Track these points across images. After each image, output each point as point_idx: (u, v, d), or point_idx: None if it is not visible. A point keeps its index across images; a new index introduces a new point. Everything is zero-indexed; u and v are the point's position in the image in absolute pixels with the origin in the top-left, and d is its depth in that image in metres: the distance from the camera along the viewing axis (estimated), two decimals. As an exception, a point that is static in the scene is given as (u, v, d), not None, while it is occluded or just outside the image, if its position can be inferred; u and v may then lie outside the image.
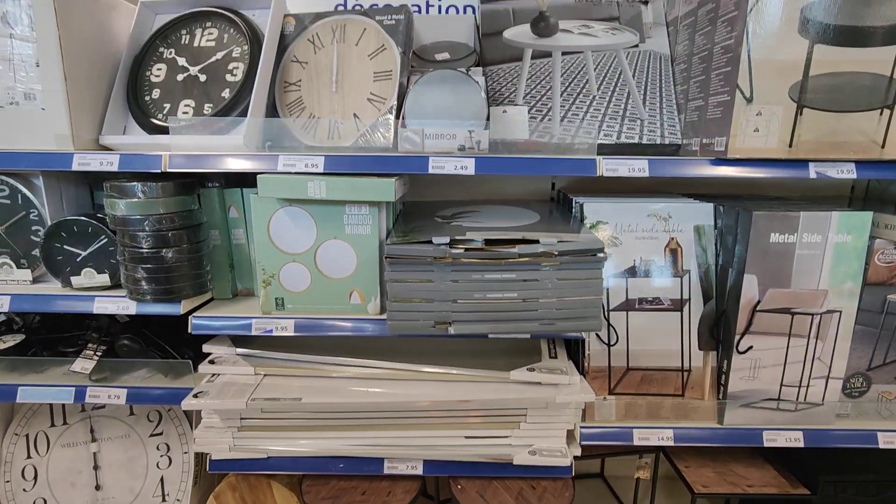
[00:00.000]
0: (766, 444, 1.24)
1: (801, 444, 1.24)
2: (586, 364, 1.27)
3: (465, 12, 1.54)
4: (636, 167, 1.08)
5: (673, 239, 1.27)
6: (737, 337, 1.21)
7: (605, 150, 1.30)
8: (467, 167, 1.08)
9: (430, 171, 1.08)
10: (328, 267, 1.16)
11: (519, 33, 1.40)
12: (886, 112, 1.03)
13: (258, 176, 1.06)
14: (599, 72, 1.36)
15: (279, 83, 1.25)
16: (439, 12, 1.54)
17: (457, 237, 1.09)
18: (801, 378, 1.24)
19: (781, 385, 1.24)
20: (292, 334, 1.17)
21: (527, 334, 1.12)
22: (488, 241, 1.09)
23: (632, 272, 1.26)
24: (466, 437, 1.26)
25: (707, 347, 1.27)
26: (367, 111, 1.19)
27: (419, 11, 1.54)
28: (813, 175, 1.08)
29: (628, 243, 1.26)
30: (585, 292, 1.11)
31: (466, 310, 1.11)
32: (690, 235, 1.26)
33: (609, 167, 1.08)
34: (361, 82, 1.21)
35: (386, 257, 1.07)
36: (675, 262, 1.27)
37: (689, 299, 1.27)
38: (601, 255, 1.09)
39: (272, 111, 1.24)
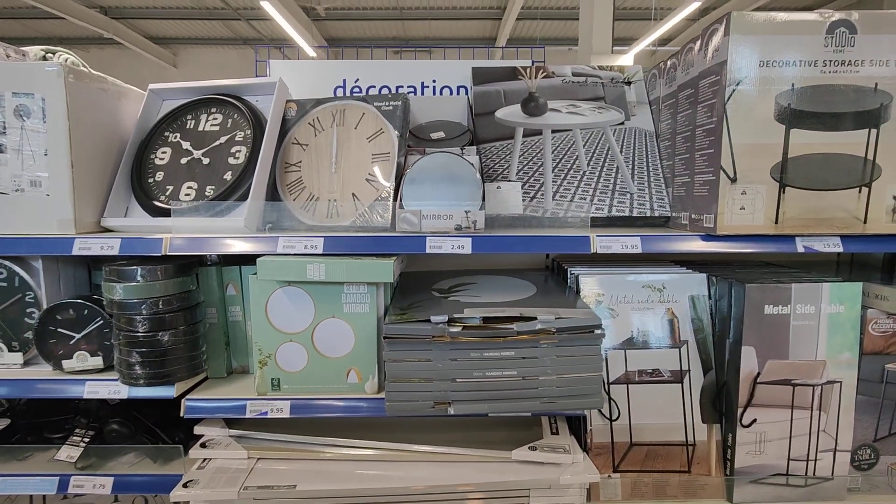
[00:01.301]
0: (779, 524, 1.19)
1: (816, 523, 1.19)
2: (589, 440, 1.24)
3: (458, 93, 1.62)
4: (629, 244, 1.11)
5: (669, 309, 1.28)
6: (740, 410, 1.20)
7: (597, 223, 1.33)
8: (464, 247, 1.10)
9: (428, 250, 1.09)
10: (325, 346, 1.15)
11: (510, 113, 1.47)
12: (865, 190, 1.08)
13: (258, 259, 1.07)
14: (588, 148, 1.42)
15: (280, 164, 1.30)
16: (434, 93, 1.62)
17: (455, 315, 1.09)
18: (808, 451, 1.21)
19: (789, 459, 1.21)
20: (288, 416, 1.14)
21: (528, 413, 1.10)
22: (486, 319, 1.10)
23: (630, 343, 1.26)
24: (468, 522, 1.20)
25: (710, 420, 1.25)
26: (366, 191, 1.23)
27: (414, 93, 1.62)
28: (801, 249, 1.11)
29: (625, 314, 1.26)
30: (585, 369, 1.10)
31: (466, 389, 1.09)
32: (686, 306, 1.27)
33: (603, 245, 1.11)
34: (360, 163, 1.25)
35: (385, 337, 1.06)
36: (673, 332, 1.27)
37: (689, 370, 1.26)
38: (599, 331, 1.10)
39: (273, 191, 1.27)
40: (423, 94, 1.61)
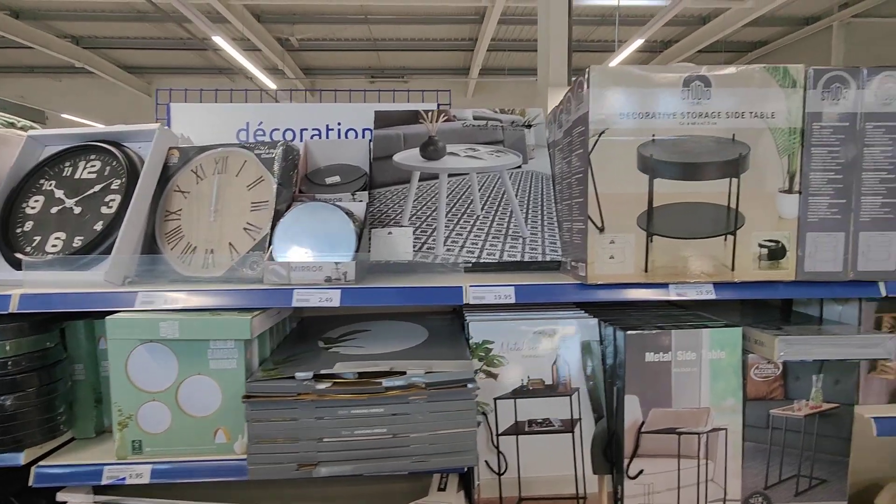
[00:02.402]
0: (670, 580, 1.15)
1: (707, 578, 1.16)
2: (476, 495, 1.20)
3: (363, 136, 1.62)
4: (503, 294, 1.09)
5: (560, 356, 1.26)
6: (626, 461, 1.17)
7: (489, 268, 1.32)
8: (332, 299, 1.07)
9: (294, 303, 1.06)
10: (191, 404, 1.10)
11: (408, 157, 1.46)
12: (731, 238, 1.08)
13: (106, 318, 1.02)
14: (484, 192, 1.42)
15: (161, 212, 1.26)
16: (339, 136, 1.62)
17: (322, 371, 1.06)
18: (698, 502, 1.19)
19: (679, 511, 1.19)
20: (148, 482, 1.07)
21: (399, 472, 1.06)
22: (361, 374, 1.06)
23: (520, 392, 1.23)
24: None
25: (602, 471, 1.22)
26: (244, 241, 1.19)
27: (319, 136, 1.61)
28: (673, 296, 1.11)
29: (515, 362, 1.24)
30: (458, 424, 1.07)
31: (333, 449, 1.04)
32: (577, 352, 1.25)
33: (476, 295, 1.09)
34: (239, 212, 1.22)
35: (244, 397, 1.02)
36: (564, 379, 1.25)
37: (581, 419, 1.23)
38: (472, 385, 1.07)
39: (151, 241, 1.23)
40: (327, 136, 1.60)
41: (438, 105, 1.58)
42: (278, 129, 1.58)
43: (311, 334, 1.37)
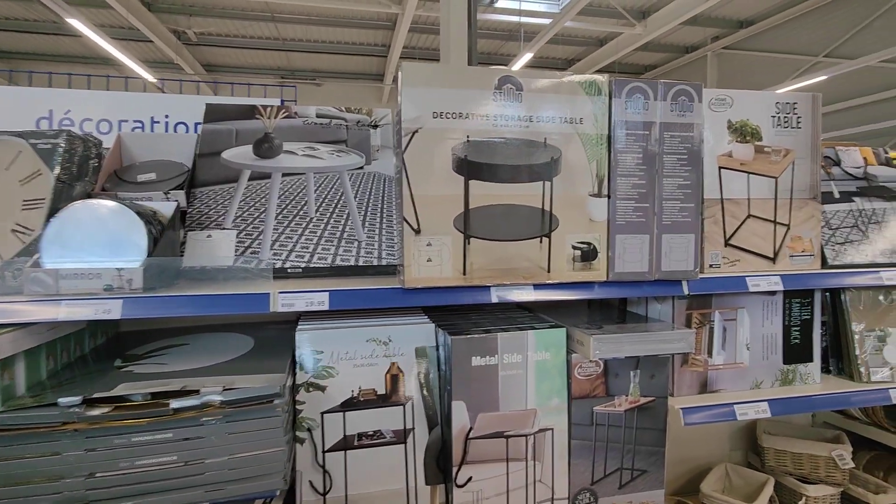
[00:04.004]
0: (499, 586, 1.14)
1: (535, 579, 1.16)
2: (298, 520, 1.11)
3: (195, 130, 1.47)
4: (316, 300, 1.02)
5: (394, 364, 1.20)
6: (454, 469, 1.14)
7: (321, 273, 1.24)
8: (111, 311, 0.93)
9: (62, 318, 0.91)
10: (-76, 445, 0.90)
11: (239, 154, 1.35)
12: (546, 240, 1.10)
13: None
14: (321, 193, 1.34)
15: None
16: (166, 129, 1.46)
17: (97, 395, 0.91)
18: (527, 504, 1.19)
19: (508, 515, 1.18)
20: None
21: (191, 505, 0.94)
22: (153, 395, 0.93)
23: (350, 405, 1.16)
24: None
25: (435, 481, 1.18)
26: (11, 244, 1.01)
27: (142, 128, 1.44)
28: (495, 299, 1.10)
29: (346, 372, 1.16)
30: (263, 445, 0.98)
31: (108, 485, 0.90)
32: (412, 359, 1.21)
33: (285, 302, 1.01)
34: (8, 211, 1.04)
35: (-13, 432, 0.85)
36: (397, 389, 1.20)
37: (414, 428, 1.19)
38: (278, 401, 0.98)
39: None
40: (152, 129, 1.44)
41: (283, 101, 1.48)
42: (91, 120, 1.39)
43: (116, 351, 1.20)
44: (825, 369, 1.48)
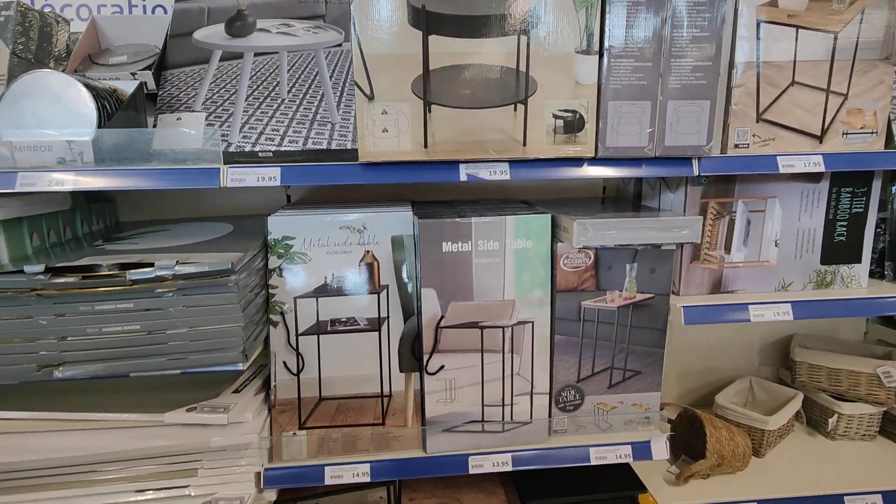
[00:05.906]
0: (472, 471, 1.14)
1: (510, 468, 1.14)
2: (273, 397, 1.14)
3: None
4: (267, 176, 0.96)
5: (368, 252, 1.16)
6: (425, 357, 1.11)
7: (294, 157, 1.18)
8: (64, 182, 0.93)
9: (19, 188, 0.92)
10: (-77, 306, 0.98)
11: (211, 34, 1.27)
12: (521, 107, 0.95)
13: None
14: (294, 73, 1.25)
15: None
16: (144, 12, 1.40)
17: (60, 264, 0.94)
18: (504, 396, 1.15)
19: (483, 405, 1.15)
20: None
21: (155, 372, 0.97)
22: (114, 266, 0.95)
23: (322, 291, 1.14)
24: (137, 492, 1.10)
25: (409, 369, 1.16)
26: (-22, 122, 1.02)
27: (120, 12, 1.39)
28: (464, 178, 0.99)
29: (319, 259, 1.13)
30: (220, 320, 0.98)
31: (80, 348, 0.95)
32: (388, 247, 1.15)
33: (235, 177, 0.96)
34: (-27, 89, 1.04)
35: (-38, 294, 0.90)
36: (372, 277, 1.16)
37: (389, 317, 1.16)
38: (233, 277, 0.96)
39: None
40: (130, 13, 1.39)
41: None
42: (70, 6, 1.36)
43: (108, 236, 1.24)
44: (879, 274, 1.27)
